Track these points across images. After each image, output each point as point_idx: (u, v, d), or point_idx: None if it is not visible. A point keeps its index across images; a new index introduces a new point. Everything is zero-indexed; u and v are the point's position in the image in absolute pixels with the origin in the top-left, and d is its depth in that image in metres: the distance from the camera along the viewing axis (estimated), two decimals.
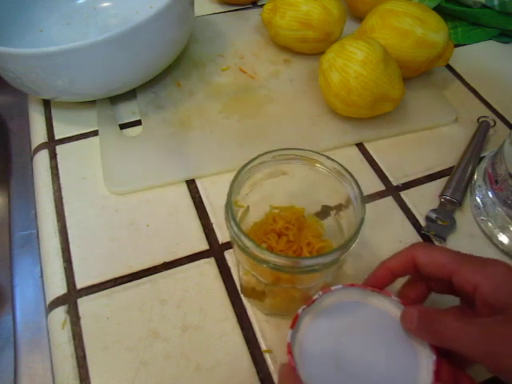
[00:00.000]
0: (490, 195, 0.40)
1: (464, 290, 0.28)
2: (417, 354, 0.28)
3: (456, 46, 0.58)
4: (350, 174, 0.30)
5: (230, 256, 0.38)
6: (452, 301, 0.30)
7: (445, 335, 0.26)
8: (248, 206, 0.33)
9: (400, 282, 0.32)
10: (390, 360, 0.28)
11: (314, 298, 0.30)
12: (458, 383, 0.28)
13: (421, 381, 0.27)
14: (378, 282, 0.31)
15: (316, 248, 0.32)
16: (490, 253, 0.39)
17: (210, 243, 0.39)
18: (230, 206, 0.29)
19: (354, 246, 0.28)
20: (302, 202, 0.35)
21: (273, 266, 0.27)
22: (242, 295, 0.36)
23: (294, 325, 0.29)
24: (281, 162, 0.32)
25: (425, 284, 0.31)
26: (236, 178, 0.30)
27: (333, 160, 0.31)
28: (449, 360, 0.28)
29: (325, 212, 0.35)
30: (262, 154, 0.31)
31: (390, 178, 0.44)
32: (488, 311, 0.27)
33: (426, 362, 0.28)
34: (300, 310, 0.30)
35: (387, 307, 0.30)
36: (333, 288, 0.31)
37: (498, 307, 0.26)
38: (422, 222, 0.41)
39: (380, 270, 0.31)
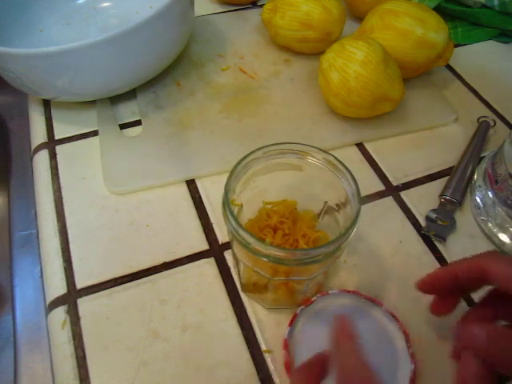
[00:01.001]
0: (490, 195, 0.40)
1: None
2: (398, 361, 0.31)
3: (456, 45, 0.58)
4: (343, 164, 0.31)
5: (229, 256, 0.38)
6: None
7: None
8: (242, 204, 0.33)
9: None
10: (374, 364, 0.30)
11: (312, 299, 0.33)
12: None
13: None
14: (439, 283, 0.29)
15: (312, 239, 0.33)
16: None
17: (209, 243, 0.39)
18: (227, 204, 0.29)
19: (353, 234, 0.28)
20: (295, 197, 0.35)
21: (275, 259, 0.27)
22: (242, 294, 0.36)
23: (292, 323, 0.32)
24: (274, 156, 0.32)
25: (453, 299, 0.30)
26: (231, 174, 0.30)
27: (325, 152, 0.31)
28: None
29: (321, 207, 0.35)
30: (255, 151, 0.31)
31: (390, 178, 0.44)
32: None
33: (405, 369, 0.31)
34: (298, 310, 0.32)
35: (377, 316, 0.33)
36: (330, 292, 0.33)
37: None
38: (422, 222, 0.41)
39: (444, 271, 0.29)
